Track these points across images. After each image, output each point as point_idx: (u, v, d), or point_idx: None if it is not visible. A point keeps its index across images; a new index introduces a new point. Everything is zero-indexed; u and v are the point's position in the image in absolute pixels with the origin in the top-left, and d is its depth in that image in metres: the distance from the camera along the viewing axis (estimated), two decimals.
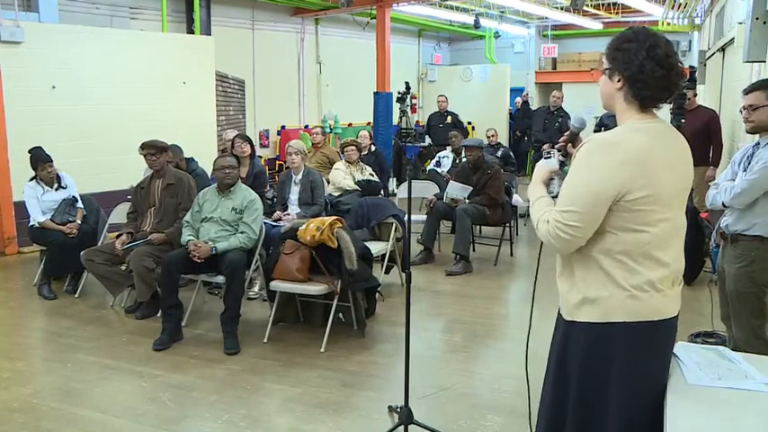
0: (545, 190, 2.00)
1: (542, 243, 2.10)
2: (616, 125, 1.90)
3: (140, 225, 4.91)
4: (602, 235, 1.80)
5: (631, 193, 1.74)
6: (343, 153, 6.84)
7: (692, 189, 6.24)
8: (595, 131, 8.66)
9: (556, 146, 2.10)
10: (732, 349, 3.18)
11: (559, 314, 2.00)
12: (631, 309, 1.79)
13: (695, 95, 6.41)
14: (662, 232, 1.80)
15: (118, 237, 4.85)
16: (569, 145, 2.06)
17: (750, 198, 3.06)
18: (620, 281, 1.79)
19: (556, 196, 2.00)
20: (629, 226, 1.77)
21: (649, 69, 1.78)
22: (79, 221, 5.41)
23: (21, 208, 5.90)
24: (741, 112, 3.20)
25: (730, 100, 6.70)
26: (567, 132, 2.07)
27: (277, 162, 11.00)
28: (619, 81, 1.84)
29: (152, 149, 4.83)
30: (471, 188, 6.23)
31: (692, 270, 5.39)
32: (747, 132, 3.28)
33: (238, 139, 5.90)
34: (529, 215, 7.57)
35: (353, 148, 6.71)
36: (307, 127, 11.26)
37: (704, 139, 6.12)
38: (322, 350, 4.07)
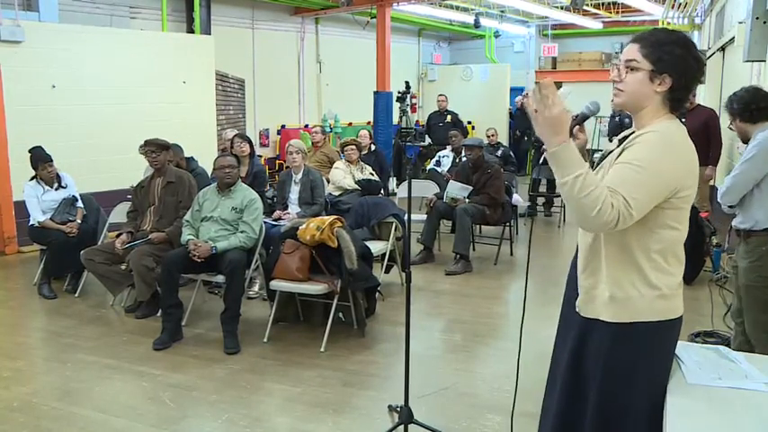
0: (581, 157, 1.69)
1: (530, 242, 2.09)
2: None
3: (140, 224, 4.91)
4: (647, 233, 1.78)
5: (683, 191, 1.76)
6: (343, 152, 6.84)
7: None
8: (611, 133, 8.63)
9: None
10: (742, 344, 3.22)
11: (573, 312, 1.95)
12: (658, 308, 1.81)
13: (694, 95, 6.41)
14: (685, 230, 1.84)
15: (118, 236, 4.85)
16: (577, 128, 1.97)
17: (737, 194, 3.16)
18: (653, 280, 1.80)
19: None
20: (671, 224, 1.79)
21: (698, 78, 1.82)
22: (79, 221, 5.41)
23: (21, 207, 5.90)
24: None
25: None
26: (578, 114, 1.97)
27: (277, 161, 11.00)
28: (660, 84, 1.80)
29: (153, 147, 4.84)
30: (471, 188, 6.23)
31: (693, 270, 5.38)
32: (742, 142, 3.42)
33: (237, 138, 5.91)
34: (529, 215, 7.45)
35: (353, 147, 6.71)
36: (307, 126, 11.26)
37: (703, 138, 6.11)
38: (322, 350, 4.07)
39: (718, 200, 3.28)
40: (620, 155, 1.81)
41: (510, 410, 3.19)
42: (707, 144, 6.16)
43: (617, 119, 8.63)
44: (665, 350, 1.88)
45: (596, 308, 1.86)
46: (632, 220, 1.69)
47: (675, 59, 1.79)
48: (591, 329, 1.88)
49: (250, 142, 5.90)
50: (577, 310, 1.93)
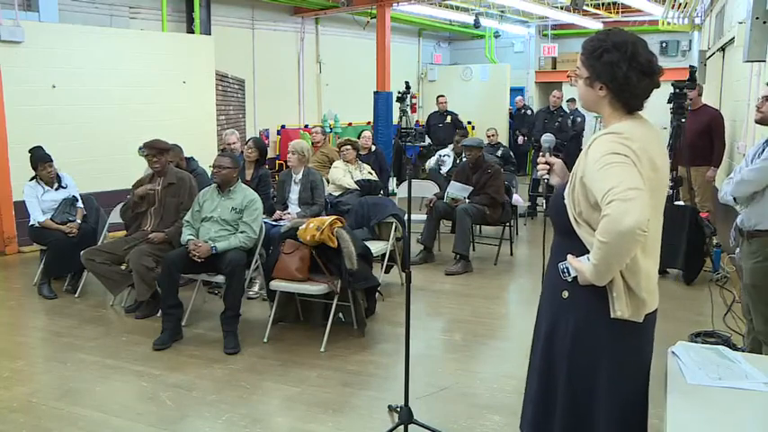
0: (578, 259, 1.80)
1: (545, 237, 2.11)
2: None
3: (141, 225, 4.91)
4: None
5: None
6: (340, 152, 6.86)
7: (694, 189, 6.22)
8: None
9: (539, 170, 2.13)
10: (754, 340, 3.22)
11: (544, 306, 2.00)
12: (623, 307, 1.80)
13: (699, 95, 6.35)
14: (658, 225, 1.84)
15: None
16: (544, 158, 2.11)
17: (749, 188, 3.17)
18: (615, 278, 1.77)
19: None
20: None
21: (635, 80, 1.79)
22: (79, 221, 5.42)
23: (21, 207, 5.91)
24: (758, 100, 3.32)
25: (730, 99, 6.69)
26: (541, 153, 2.14)
27: (277, 162, 10.99)
28: (601, 89, 1.83)
29: (153, 151, 4.82)
30: (471, 188, 6.23)
31: (693, 270, 5.38)
32: (755, 122, 3.39)
33: (250, 142, 5.86)
34: (529, 215, 7.50)
35: (350, 147, 6.73)
36: (307, 126, 11.26)
37: (706, 139, 6.09)
38: (322, 350, 4.07)
39: (728, 192, 3.25)
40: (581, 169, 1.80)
41: (510, 410, 3.20)
42: (710, 145, 6.12)
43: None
44: (635, 348, 1.86)
45: (561, 304, 1.89)
46: (645, 199, 1.62)
47: (607, 67, 1.79)
48: (557, 325, 1.91)
49: (261, 150, 5.80)
50: (545, 303, 1.99)
